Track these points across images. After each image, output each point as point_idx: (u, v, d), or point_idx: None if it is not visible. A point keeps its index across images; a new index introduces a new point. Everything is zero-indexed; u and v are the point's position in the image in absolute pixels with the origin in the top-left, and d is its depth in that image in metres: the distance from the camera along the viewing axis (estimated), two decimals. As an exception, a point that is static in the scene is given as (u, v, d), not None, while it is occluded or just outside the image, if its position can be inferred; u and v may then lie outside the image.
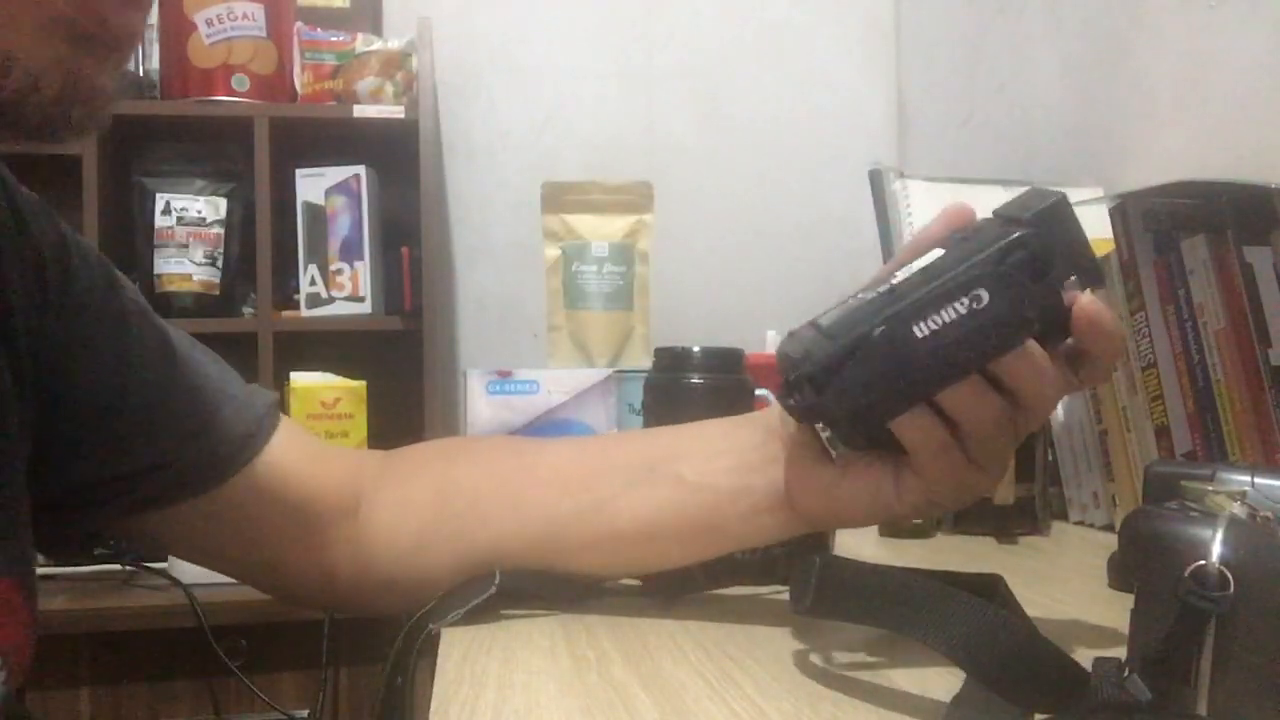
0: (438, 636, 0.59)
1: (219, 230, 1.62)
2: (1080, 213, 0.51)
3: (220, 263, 1.62)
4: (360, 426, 1.44)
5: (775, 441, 0.57)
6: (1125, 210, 0.89)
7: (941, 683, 0.47)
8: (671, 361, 0.78)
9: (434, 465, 0.66)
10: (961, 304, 0.46)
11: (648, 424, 0.77)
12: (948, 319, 0.46)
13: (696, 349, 0.77)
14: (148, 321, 0.60)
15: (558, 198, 1.34)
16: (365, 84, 1.63)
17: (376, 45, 1.67)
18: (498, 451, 0.68)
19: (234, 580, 0.66)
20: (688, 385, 0.76)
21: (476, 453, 0.68)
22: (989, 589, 0.56)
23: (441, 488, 0.64)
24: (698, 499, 0.59)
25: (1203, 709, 0.36)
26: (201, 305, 1.60)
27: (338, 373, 1.48)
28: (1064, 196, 0.49)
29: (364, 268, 1.62)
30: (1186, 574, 0.36)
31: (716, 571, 0.70)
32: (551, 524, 0.62)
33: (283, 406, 0.66)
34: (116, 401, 0.57)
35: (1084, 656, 0.41)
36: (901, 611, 0.45)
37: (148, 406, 0.58)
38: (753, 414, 0.62)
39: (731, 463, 0.58)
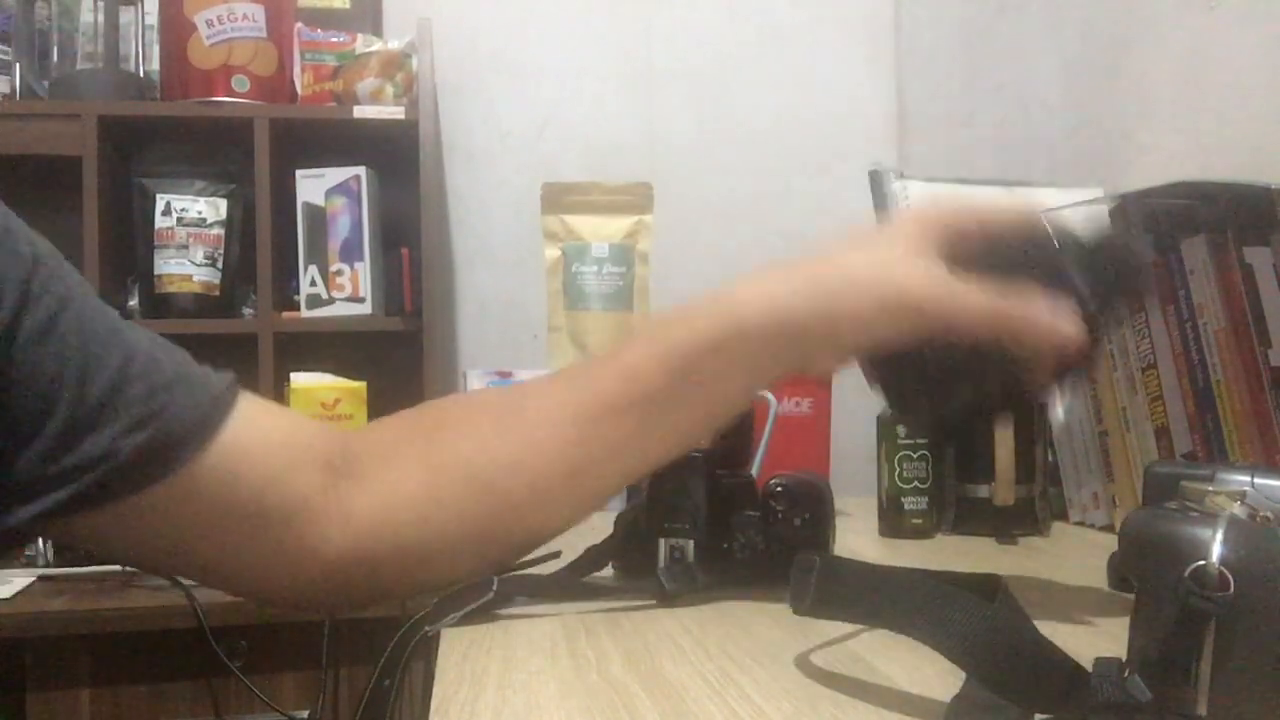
0: (437, 638, 0.59)
1: (219, 231, 1.62)
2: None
3: (220, 264, 1.62)
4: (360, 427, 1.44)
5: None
6: (1125, 210, 0.89)
7: (941, 683, 0.47)
8: None
9: (416, 444, 0.63)
10: None
11: None
12: None
13: None
14: (89, 308, 0.56)
15: (557, 198, 1.34)
16: (365, 85, 1.63)
17: (376, 46, 1.67)
18: (483, 416, 0.65)
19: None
20: None
21: (460, 423, 0.65)
22: (989, 589, 0.56)
23: (453, 447, 0.62)
24: (713, 411, 0.63)
25: (1203, 709, 0.36)
26: (202, 306, 1.60)
27: (338, 373, 1.48)
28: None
29: (364, 268, 1.62)
30: (1186, 574, 0.36)
31: (716, 572, 0.70)
32: (571, 475, 0.61)
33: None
34: (55, 391, 0.53)
35: (1084, 656, 0.41)
36: (901, 611, 0.45)
37: (91, 395, 0.54)
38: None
39: (745, 370, 0.61)
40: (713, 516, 0.72)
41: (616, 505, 0.76)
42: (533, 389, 0.65)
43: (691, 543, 0.71)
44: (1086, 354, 0.55)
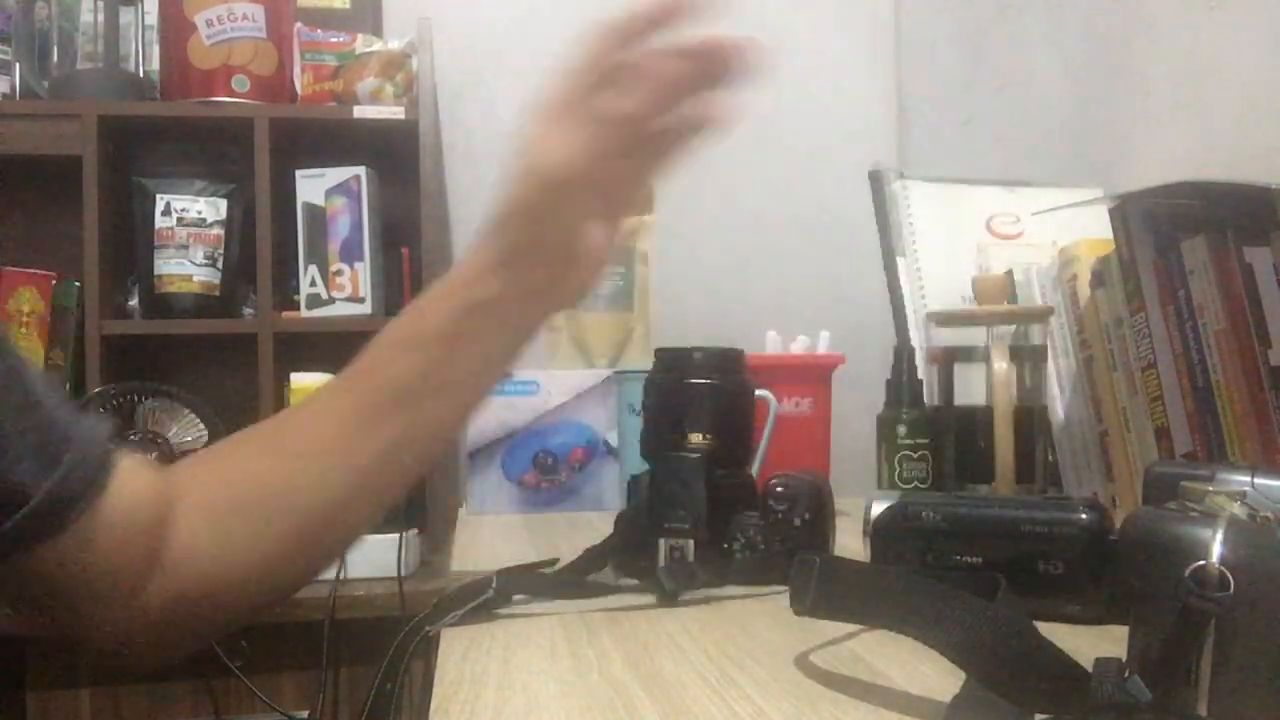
0: (437, 638, 0.60)
1: (219, 231, 1.62)
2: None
3: (220, 264, 1.62)
4: (360, 427, 1.43)
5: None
6: (1125, 210, 0.89)
7: (941, 683, 0.47)
8: (672, 362, 0.78)
9: (215, 464, 0.64)
10: None
11: (647, 425, 0.77)
12: None
13: (697, 349, 0.78)
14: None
15: (558, 198, 1.34)
16: (365, 85, 1.63)
17: (376, 46, 1.67)
18: (251, 445, 0.65)
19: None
20: (688, 386, 0.76)
21: (232, 457, 0.65)
22: (989, 589, 0.56)
23: (231, 481, 0.62)
24: (470, 397, 0.65)
25: (1203, 709, 0.36)
26: (202, 306, 1.60)
27: (338, 373, 1.47)
28: None
29: (364, 268, 1.62)
30: (1186, 574, 0.36)
31: (716, 571, 0.70)
32: (351, 480, 0.62)
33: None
34: None
35: (1084, 656, 0.41)
36: (901, 611, 0.45)
37: None
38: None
39: (488, 341, 0.64)
40: (713, 516, 0.72)
41: (616, 505, 0.76)
42: (295, 409, 0.66)
43: (691, 542, 0.71)
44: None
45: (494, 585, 0.64)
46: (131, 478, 0.59)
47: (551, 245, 0.62)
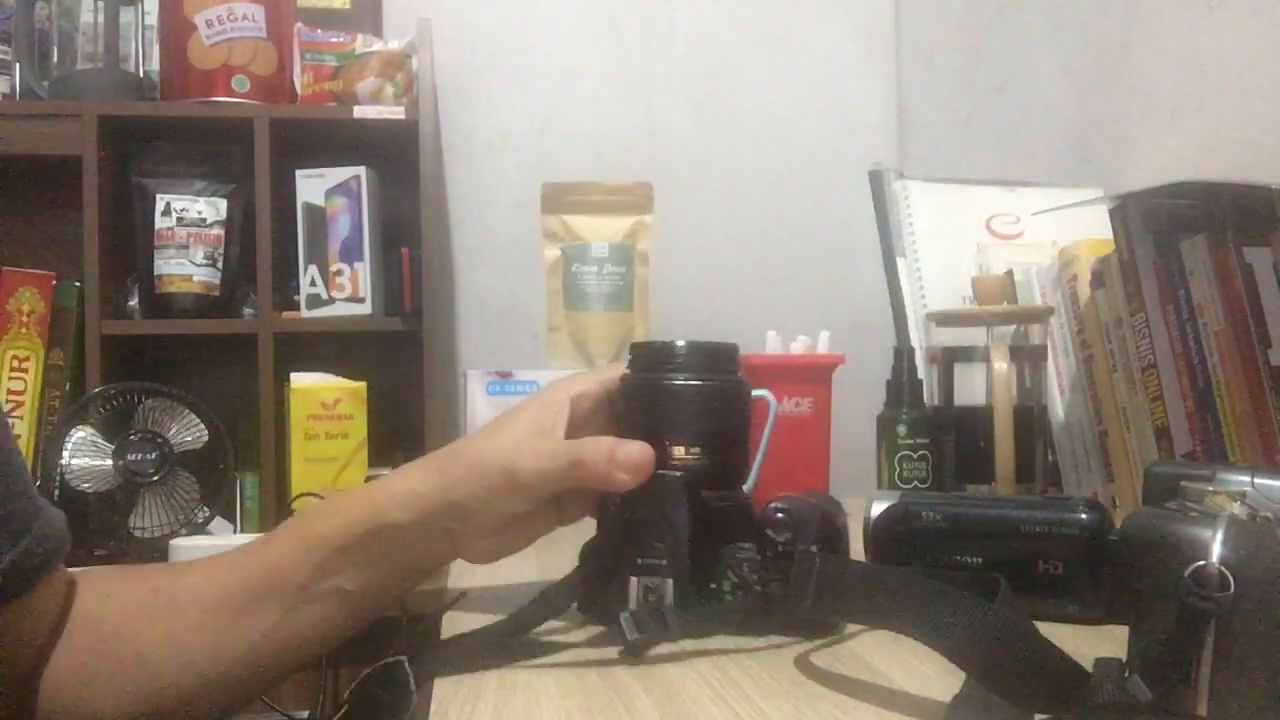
0: (438, 629, 0.59)
1: (219, 231, 1.62)
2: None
3: (221, 264, 1.62)
4: (360, 427, 1.44)
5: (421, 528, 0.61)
6: (1125, 211, 0.89)
7: (941, 683, 0.47)
8: (652, 359, 0.65)
9: (96, 600, 0.64)
10: None
11: (624, 433, 0.62)
12: None
13: (681, 344, 0.64)
14: None
15: (557, 198, 1.35)
16: (365, 85, 1.63)
17: (377, 46, 1.67)
18: (135, 588, 0.65)
19: None
20: (671, 388, 0.63)
21: (113, 592, 0.65)
22: (989, 589, 0.56)
23: (105, 625, 0.62)
24: (363, 605, 0.63)
25: (1203, 709, 0.36)
26: (202, 306, 1.60)
27: (338, 374, 1.47)
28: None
29: (364, 268, 1.62)
30: (1186, 574, 0.36)
31: (700, 616, 0.60)
32: (219, 661, 0.61)
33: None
34: None
35: (1084, 656, 0.41)
36: (902, 612, 0.45)
37: None
38: (383, 492, 0.63)
39: (392, 564, 0.62)
40: (697, 549, 0.60)
41: (587, 530, 0.66)
42: (189, 568, 0.66)
43: (670, 582, 0.59)
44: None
45: (409, 673, 0.56)
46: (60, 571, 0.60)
47: (485, 518, 0.62)
